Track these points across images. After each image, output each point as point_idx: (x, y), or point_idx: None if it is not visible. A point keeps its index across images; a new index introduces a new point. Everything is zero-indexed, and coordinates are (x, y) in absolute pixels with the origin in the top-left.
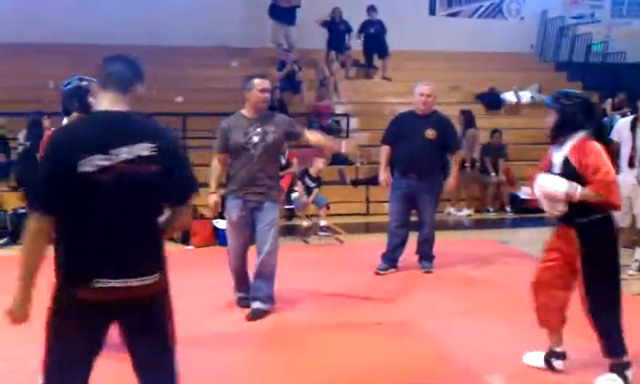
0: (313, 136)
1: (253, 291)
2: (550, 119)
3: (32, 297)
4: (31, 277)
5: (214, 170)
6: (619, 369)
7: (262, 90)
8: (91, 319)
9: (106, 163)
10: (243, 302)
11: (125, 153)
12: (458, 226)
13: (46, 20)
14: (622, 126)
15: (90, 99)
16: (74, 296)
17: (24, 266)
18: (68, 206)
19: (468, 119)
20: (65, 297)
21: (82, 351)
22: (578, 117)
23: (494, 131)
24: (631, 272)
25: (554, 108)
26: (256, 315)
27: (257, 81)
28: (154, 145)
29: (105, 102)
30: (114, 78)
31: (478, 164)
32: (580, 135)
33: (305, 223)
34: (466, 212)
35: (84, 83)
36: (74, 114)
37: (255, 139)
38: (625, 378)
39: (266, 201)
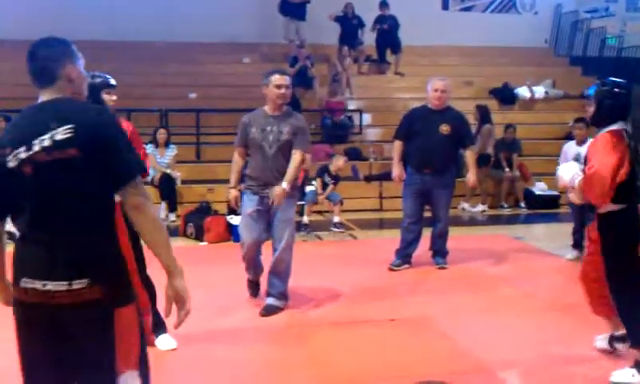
0: (294, 162)
1: (267, 287)
2: (590, 109)
3: (5, 287)
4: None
5: (234, 164)
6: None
7: (278, 86)
8: (32, 324)
9: (26, 155)
10: (251, 287)
11: (44, 141)
12: (472, 221)
13: (60, 17)
14: None
15: (103, 95)
16: (14, 297)
17: None
18: (9, 204)
19: (483, 114)
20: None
21: (39, 361)
22: (614, 108)
23: (508, 126)
24: None
25: (594, 97)
26: (269, 311)
27: (273, 77)
28: (70, 126)
29: (40, 98)
30: (36, 75)
31: (493, 159)
32: (611, 128)
33: (305, 219)
34: (480, 208)
35: (97, 80)
36: None
37: (270, 137)
38: None
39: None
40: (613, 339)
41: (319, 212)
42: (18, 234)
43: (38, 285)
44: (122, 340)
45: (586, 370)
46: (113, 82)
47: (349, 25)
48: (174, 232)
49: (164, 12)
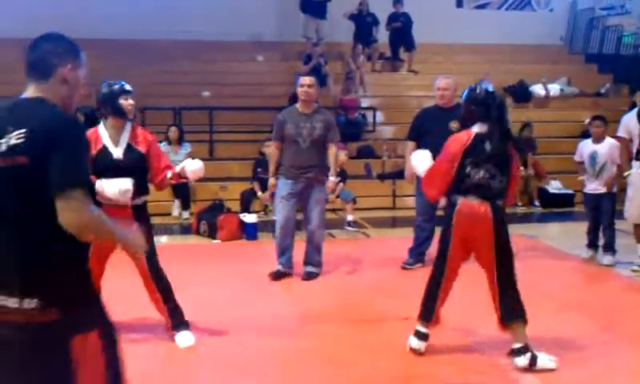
0: (332, 156)
1: (305, 257)
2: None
3: None
4: None
5: (272, 156)
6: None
7: (301, 85)
8: None
9: None
10: (277, 276)
11: (1, 145)
12: None
13: (75, 15)
14: (627, 120)
15: (121, 101)
16: None
17: None
18: None
19: None
20: None
21: None
22: (477, 111)
23: (525, 125)
24: (635, 267)
25: (463, 101)
26: (309, 277)
27: (300, 79)
28: (23, 131)
29: (24, 93)
30: (31, 66)
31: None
32: (469, 128)
33: None
34: None
35: (115, 87)
36: (110, 119)
37: (305, 132)
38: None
39: (313, 183)
40: (511, 352)
41: (332, 210)
42: None
43: None
44: (81, 373)
45: (601, 371)
46: (128, 87)
47: (363, 22)
48: (187, 229)
49: (178, 10)
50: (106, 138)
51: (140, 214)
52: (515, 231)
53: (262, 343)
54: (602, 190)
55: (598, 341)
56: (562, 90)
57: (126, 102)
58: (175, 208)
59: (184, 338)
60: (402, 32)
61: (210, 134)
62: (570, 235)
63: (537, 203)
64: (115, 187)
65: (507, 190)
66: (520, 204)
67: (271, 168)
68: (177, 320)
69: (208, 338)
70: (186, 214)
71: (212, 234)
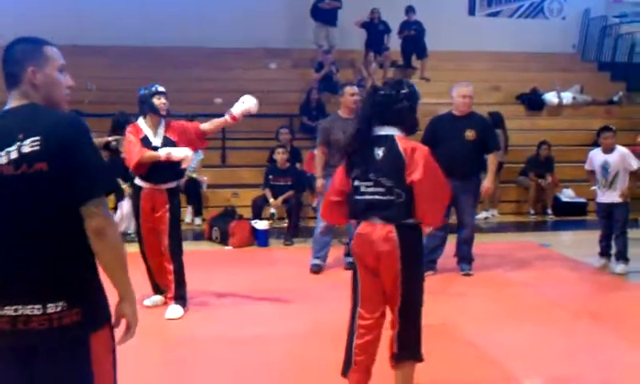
0: None
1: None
2: None
3: None
4: None
5: (318, 160)
6: None
7: (352, 94)
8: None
9: None
10: (315, 268)
11: (11, 153)
12: (498, 228)
13: (87, 22)
14: None
15: (154, 100)
16: None
17: None
18: None
19: (496, 121)
20: None
21: None
22: (376, 112)
23: (542, 144)
24: None
25: None
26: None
27: (347, 88)
28: (37, 138)
29: (8, 104)
30: (4, 78)
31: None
32: None
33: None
34: (484, 215)
35: (151, 89)
36: (148, 116)
37: None
38: None
39: None
40: None
41: None
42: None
43: (8, 310)
44: (97, 371)
45: (613, 379)
46: (161, 88)
47: (375, 31)
48: (199, 236)
49: (191, 18)
50: (146, 129)
51: (173, 195)
52: (528, 239)
53: (275, 348)
54: (617, 199)
55: (609, 349)
56: (574, 97)
57: (159, 101)
58: (188, 214)
59: (172, 311)
60: (414, 39)
61: (223, 141)
62: (583, 244)
63: (549, 211)
64: (182, 152)
65: (415, 206)
66: (533, 212)
67: (318, 170)
68: (178, 293)
69: (221, 345)
70: (198, 221)
71: (224, 240)
